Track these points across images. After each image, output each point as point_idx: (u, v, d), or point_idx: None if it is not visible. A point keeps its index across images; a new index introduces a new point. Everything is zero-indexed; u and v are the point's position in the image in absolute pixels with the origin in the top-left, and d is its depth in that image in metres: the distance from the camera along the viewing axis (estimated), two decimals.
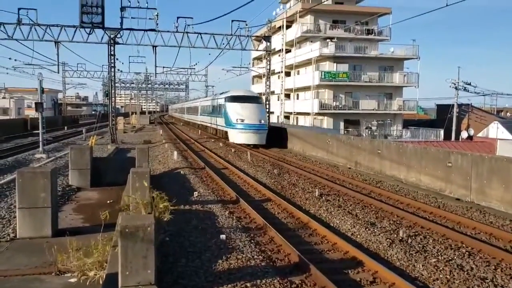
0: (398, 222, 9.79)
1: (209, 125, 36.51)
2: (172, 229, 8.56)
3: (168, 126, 55.71)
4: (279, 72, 47.41)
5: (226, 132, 28.10)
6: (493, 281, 6.60)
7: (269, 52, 32.17)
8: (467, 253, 7.79)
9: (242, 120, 25.91)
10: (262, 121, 26.28)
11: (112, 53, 27.94)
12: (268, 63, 31.99)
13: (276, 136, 27.49)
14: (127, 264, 4.82)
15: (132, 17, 27.37)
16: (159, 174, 16.21)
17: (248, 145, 25.75)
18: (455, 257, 7.55)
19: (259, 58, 58.17)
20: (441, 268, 7.03)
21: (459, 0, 14.74)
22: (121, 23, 26.70)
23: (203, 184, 14.01)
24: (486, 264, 7.29)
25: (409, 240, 8.44)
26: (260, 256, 7.31)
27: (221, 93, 32.65)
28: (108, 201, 11.43)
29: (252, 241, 8.20)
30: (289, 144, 26.76)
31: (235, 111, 26.71)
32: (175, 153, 20.99)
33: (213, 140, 30.61)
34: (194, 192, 12.39)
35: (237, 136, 26.22)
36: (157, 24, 27.30)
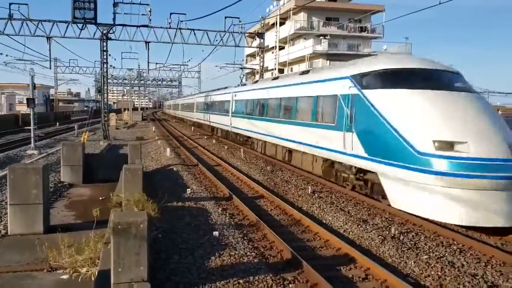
0: (390, 219, 9.85)
1: (272, 140, 18.35)
2: (165, 226, 8.54)
3: (161, 123, 55.58)
4: (273, 69, 47.31)
5: (373, 175, 10.86)
6: (484, 278, 6.67)
7: (263, 49, 32.16)
8: (458, 250, 7.86)
9: (452, 146, 8.65)
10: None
11: (104, 49, 27.75)
12: (262, 60, 31.98)
13: None
14: (119, 261, 4.81)
15: (124, 13, 27.31)
16: (152, 171, 16.15)
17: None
18: (446, 254, 7.61)
19: (252, 55, 58.07)
20: (432, 265, 7.09)
21: None
22: (114, 19, 26.58)
23: (196, 181, 13.99)
24: (476, 261, 7.36)
25: (401, 237, 8.49)
26: (253, 253, 7.32)
27: (310, 73, 15.23)
28: (100, 198, 11.38)
29: (245, 238, 8.20)
30: None
31: (423, 115, 9.42)
32: (168, 149, 20.93)
33: (206, 137, 30.55)
34: (187, 189, 12.36)
35: (445, 202, 8.67)
36: (150, 20, 27.27)
